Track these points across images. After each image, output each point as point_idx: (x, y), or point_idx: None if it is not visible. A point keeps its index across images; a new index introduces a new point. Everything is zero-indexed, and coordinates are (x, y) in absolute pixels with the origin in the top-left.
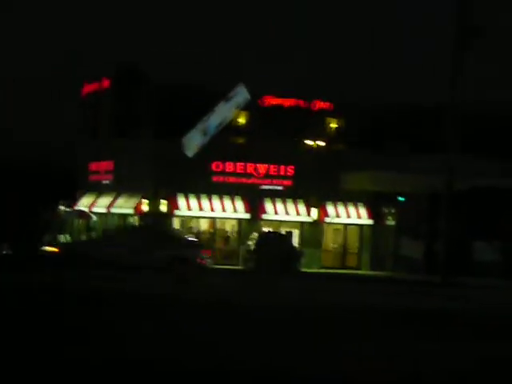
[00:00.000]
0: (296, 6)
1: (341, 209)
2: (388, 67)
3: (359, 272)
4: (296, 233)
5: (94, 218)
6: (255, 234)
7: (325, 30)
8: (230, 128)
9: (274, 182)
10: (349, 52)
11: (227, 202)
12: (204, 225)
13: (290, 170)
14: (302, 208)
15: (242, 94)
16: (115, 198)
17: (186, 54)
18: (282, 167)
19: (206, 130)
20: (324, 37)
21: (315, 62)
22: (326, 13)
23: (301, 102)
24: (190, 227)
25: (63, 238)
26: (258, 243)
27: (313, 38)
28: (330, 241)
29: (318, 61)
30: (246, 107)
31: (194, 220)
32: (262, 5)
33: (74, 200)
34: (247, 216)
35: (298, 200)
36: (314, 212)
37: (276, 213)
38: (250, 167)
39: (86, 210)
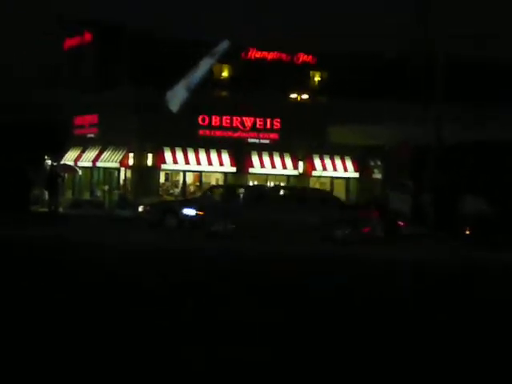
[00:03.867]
0: None
1: (327, 162)
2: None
3: None
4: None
5: (80, 172)
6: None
7: None
8: (214, 81)
9: (261, 135)
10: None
11: (213, 155)
12: (190, 178)
13: (277, 124)
14: (288, 161)
15: (223, 47)
16: (100, 152)
17: (171, 7)
18: (269, 120)
19: (189, 85)
20: None
21: (298, 15)
22: None
23: (283, 56)
24: (176, 180)
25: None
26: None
27: None
28: None
29: (299, 14)
30: (230, 61)
31: (181, 173)
32: None
33: (59, 155)
34: (233, 169)
35: (284, 153)
36: (301, 165)
37: (262, 166)
38: (236, 121)
39: (72, 164)
